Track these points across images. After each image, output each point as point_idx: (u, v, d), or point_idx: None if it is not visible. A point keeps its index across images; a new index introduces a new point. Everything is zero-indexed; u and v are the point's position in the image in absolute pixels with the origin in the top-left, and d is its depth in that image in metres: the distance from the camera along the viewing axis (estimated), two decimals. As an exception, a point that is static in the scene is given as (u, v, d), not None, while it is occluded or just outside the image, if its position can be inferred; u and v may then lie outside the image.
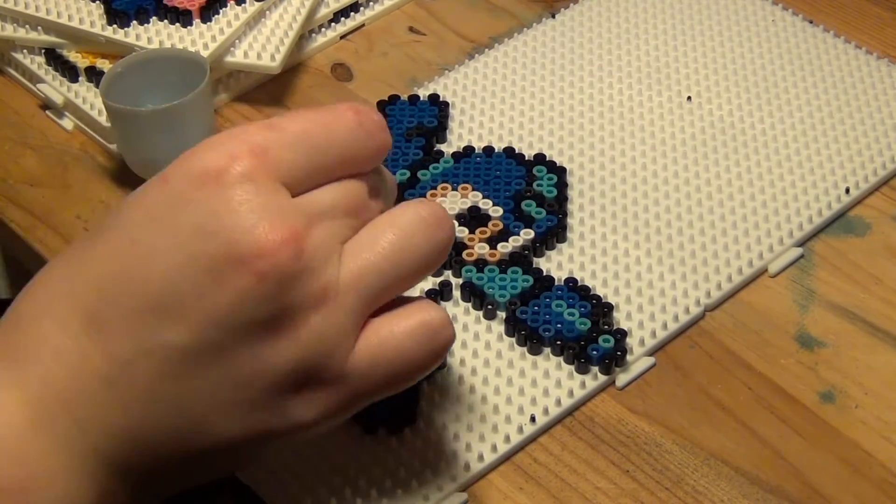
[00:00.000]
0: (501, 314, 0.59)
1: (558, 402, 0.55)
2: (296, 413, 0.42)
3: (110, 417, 0.40)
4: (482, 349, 0.57)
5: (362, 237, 0.42)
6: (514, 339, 0.58)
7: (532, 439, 0.54)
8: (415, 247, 0.43)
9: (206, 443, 0.41)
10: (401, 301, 0.44)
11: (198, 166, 0.40)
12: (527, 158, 0.67)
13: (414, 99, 0.71)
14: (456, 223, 0.63)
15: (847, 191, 0.65)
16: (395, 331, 0.43)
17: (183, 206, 0.40)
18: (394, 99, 0.71)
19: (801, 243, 0.63)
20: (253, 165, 0.40)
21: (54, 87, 0.71)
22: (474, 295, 0.59)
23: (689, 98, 0.71)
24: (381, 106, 0.71)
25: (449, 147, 0.69)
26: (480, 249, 0.61)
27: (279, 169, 0.41)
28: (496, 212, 0.63)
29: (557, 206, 0.64)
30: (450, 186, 0.65)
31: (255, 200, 0.40)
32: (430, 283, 0.60)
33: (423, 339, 0.43)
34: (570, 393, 0.55)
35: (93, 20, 0.72)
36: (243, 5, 0.73)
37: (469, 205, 0.64)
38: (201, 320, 0.39)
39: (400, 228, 0.43)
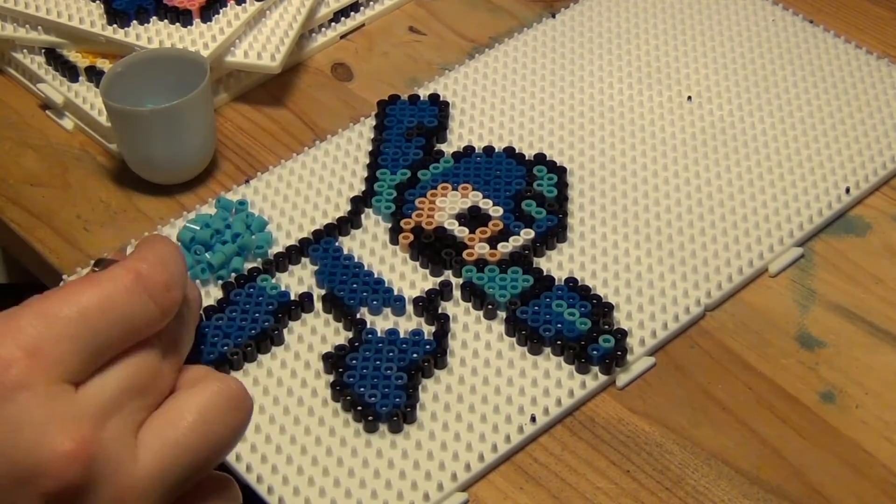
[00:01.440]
0: (502, 314, 0.59)
1: (559, 402, 0.55)
2: None
3: None
4: (482, 349, 0.57)
5: (161, 423, 0.40)
6: (514, 339, 0.58)
7: (532, 439, 0.54)
8: (214, 431, 0.40)
9: None
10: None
11: None
12: (527, 158, 0.67)
13: (414, 99, 0.71)
14: (456, 222, 0.63)
15: (847, 191, 0.65)
16: None
17: None
18: (394, 99, 0.71)
19: (801, 243, 0.63)
20: (28, 370, 0.36)
21: (54, 86, 0.71)
22: (475, 295, 0.59)
23: (689, 98, 0.71)
24: (382, 106, 0.71)
25: (449, 147, 0.68)
26: (481, 249, 0.61)
27: (57, 365, 0.37)
28: (496, 212, 0.63)
29: (558, 206, 0.64)
30: (450, 186, 0.65)
31: (36, 412, 0.36)
32: (430, 283, 0.60)
33: None
34: (571, 393, 0.55)
35: (93, 20, 0.72)
36: (243, 5, 0.73)
37: (469, 204, 0.64)
38: None
39: (199, 410, 0.40)
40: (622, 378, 0.56)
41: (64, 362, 0.37)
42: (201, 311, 0.45)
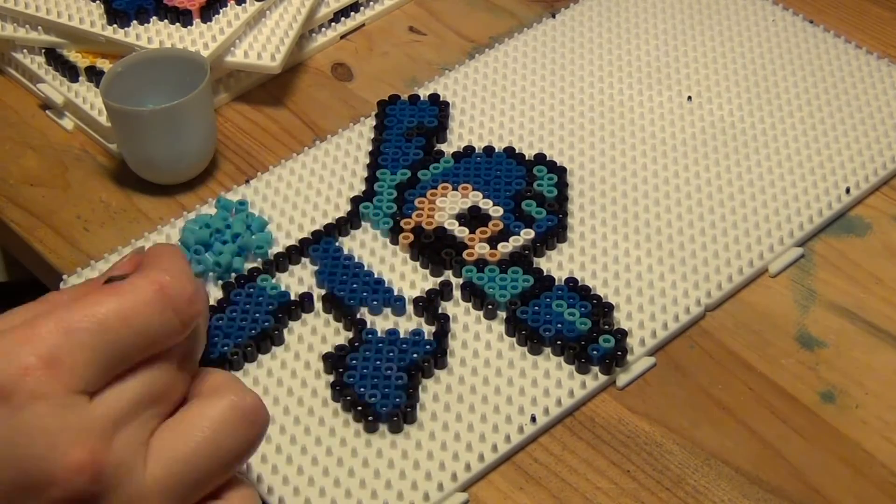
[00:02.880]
0: (502, 314, 0.59)
1: (559, 402, 0.55)
2: None
3: None
4: (482, 349, 0.57)
5: (173, 434, 0.40)
6: (514, 339, 0.58)
7: (532, 439, 0.54)
8: (226, 445, 0.40)
9: None
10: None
11: None
12: (527, 158, 0.67)
13: (414, 99, 0.71)
14: (456, 222, 0.63)
15: (847, 191, 0.65)
16: None
17: None
18: (394, 99, 0.71)
19: (801, 243, 0.63)
20: (45, 380, 0.37)
21: (54, 86, 0.71)
22: (475, 295, 0.59)
23: (689, 98, 0.71)
24: (382, 106, 0.71)
25: (449, 147, 0.68)
26: (481, 249, 0.61)
27: (74, 376, 0.38)
28: (496, 212, 0.63)
29: (558, 206, 0.64)
30: (450, 186, 0.65)
31: (49, 421, 0.37)
32: (430, 283, 0.60)
33: None
34: (571, 393, 0.55)
35: (93, 20, 0.72)
36: (243, 5, 0.73)
37: (469, 205, 0.64)
38: None
39: (212, 424, 0.40)
40: (622, 378, 0.56)
41: (81, 373, 0.38)
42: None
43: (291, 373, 0.56)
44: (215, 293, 0.60)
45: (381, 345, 0.57)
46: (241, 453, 0.41)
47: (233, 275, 0.61)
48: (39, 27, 0.73)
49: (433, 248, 0.61)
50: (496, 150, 0.67)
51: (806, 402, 0.56)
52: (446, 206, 0.64)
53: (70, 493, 0.37)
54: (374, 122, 0.70)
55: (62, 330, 0.38)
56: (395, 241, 0.62)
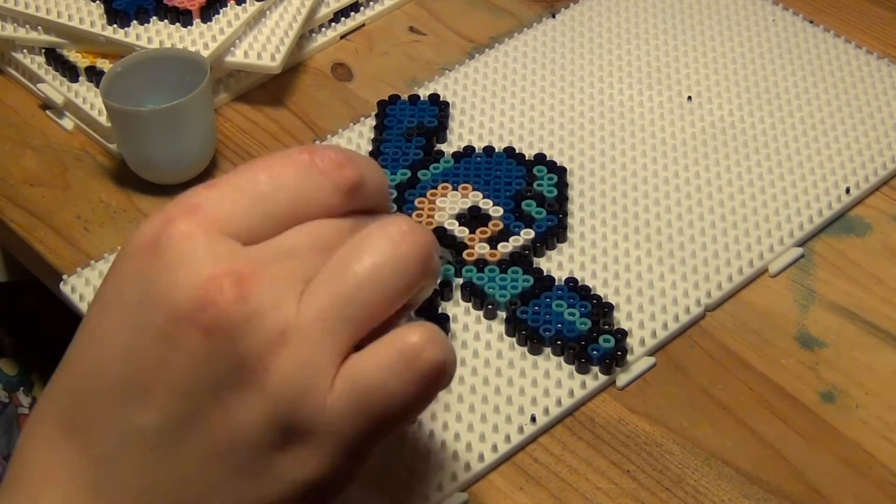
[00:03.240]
0: (502, 314, 0.59)
1: (559, 402, 0.55)
2: (287, 473, 0.38)
3: None
4: (482, 349, 0.57)
5: (325, 269, 0.39)
6: (514, 339, 0.58)
7: (532, 439, 0.54)
8: (386, 267, 0.38)
9: None
10: (389, 328, 0.40)
11: (136, 240, 0.38)
12: (527, 158, 0.67)
13: (414, 99, 0.71)
14: (456, 222, 0.63)
15: (847, 191, 0.65)
16: (369, 364, 0.38)
17: (127, 283, 0.38)
18: (394, 99, 0.71)
19: (801, 243, 0.63)
20: (188, 223, 0.38)
21: (54, 86, 0.71)
22: (475, 295, 0.59)
23: (689, 98, 0.71)
24: (382, 106, 0.71)
25: (449, 147, 0.69)
26: (481, 249, 0.61)
27: (218, 221, 0.38)
28: (496, 212, 0.63)
29: (558, 206, 0.64)
30: (450, 186, 0.65)
31: (192, 255, 0.37)
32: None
33: (400, 368, 0.38)
34: (571, 393, 0.55)
35: (93, 20, 0.72)
36: (243, 5, 0.73)
37: (469, 205, 0.64)
38: (165, 393, 0.37)
39: (366, 251, 0.38)
40: (622, 378, 0.56)
41: (227, 218, 0.38)
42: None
43: (291, 373, 0.56)
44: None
45: (381, 345, 0.57)
46: (406, 277, 0.39)
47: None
48: (39, 27, 0.73)
49: (433, 248, 0.61)
50: (496, 150, 0.67)
51: (806, 402, 0.56)
52: (446, 206, 0.64)
53: (216, 314, 0.36)
54: (374, 122, 0.70)
55: (207, 187, 0.39)
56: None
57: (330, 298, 0.38)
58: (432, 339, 0.39)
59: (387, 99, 0.71)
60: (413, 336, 0.39)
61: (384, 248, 0.39)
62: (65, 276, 0.62)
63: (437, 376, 0.39)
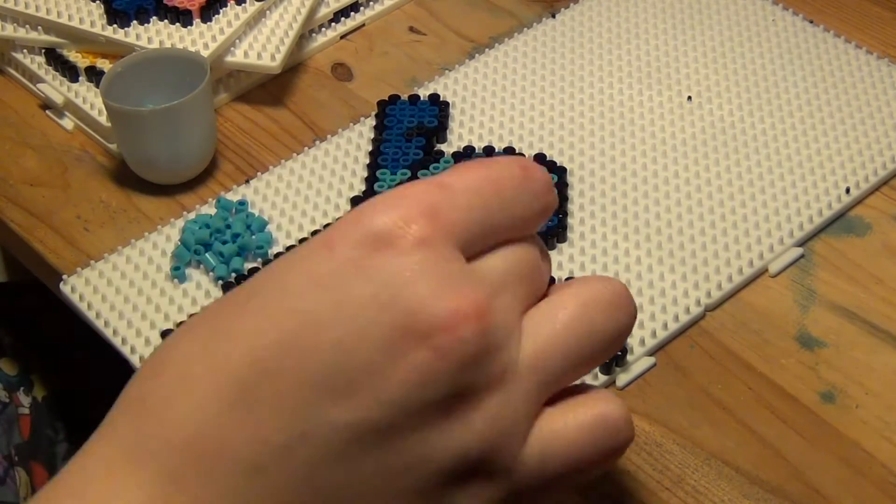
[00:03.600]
0: (502, 314, 0.59)
1: (559, 402, 0.55)
2: None
3: None
4: (482, 349, 0.57)
5: (542, 311, 0.39)
6: (514, 339, 0.58)
7: (532, 439, 0.54)
8: (597, 325, 0.39)
9: None
10: (576, 390, 0.40)
11: (368, 230, 0.36)
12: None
13: (414, 99, 0.71)
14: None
15: (847, 191, 0.65)
16: (569, 423, 0.38)
17: (353, 273, 0.36)
18: (394, 99, 0.71)
19: (801, 243, 0.63)
20: (427, 229, 0.36)
21: (54, 86, 0.71)
22: (474, 295, 0.59)
23: (689, 98, 0.71)
24: (382, 106, 0.71)
25: (449, 147, 0.68)
26: (481, 249, 0.61)
27: (453, 232, 0.37)
28: (496, 212, 0.63)
29: (558, 206, 0.63)
30: (450, 186, 0.65)
31: (434, 269, 0.36)
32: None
33: (600, 434, 0.39)
34: (571, 393, 0.55)
35: (93, 20, 0.72)
36: (243, 5, 0.73)
37: (469, 205, 0.64)
38: (371, 399, 0.35)
39: (582, 303, 0.39)
40: (622, 378, 0.56)
41: (460, 229, 0.37)
42: None
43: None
44: (215, 293, 0.60)
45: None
46: (611, 337, 0.40)
47: (233, 275, 0.61)
48: (39, 27, 0.73)
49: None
50: (496, 150, 0.67)
51: (806, 402, 0.56)
52: (446, 206, 0.64)
53: (456, 342, 0.35)
54: (374, 122, 0.70)
55: (440, 189, 0.38)
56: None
57: (548, 344, 0.38)
58: (629, 417, 0.40)
59: (387, 99, 0.71)
60: (616, 408, 0.39)
61: (599, 302, 0.39)
62: (65, 276, 0.62)
63: (621, 453, 0.40)
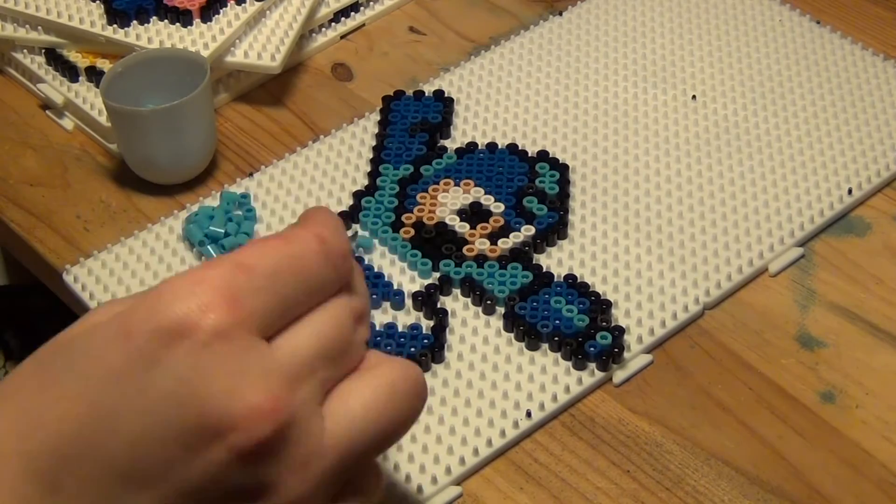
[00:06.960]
0: (500, 309, 0.58)
1: (554, 398, 0.55)
2: None
3: None
4: (480, 344, 0.57)
5: (346, 395, 0.39)
6: (512, 335, 0.57)
7: (527, 435, 0.54)
8: (397, 414, 0.39)
9: None
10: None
11: (164, 320, 0.35)
12: (530, 155, 0.67)
13: (419, 95, 0.71)
14: (457, 217, 0.63)
15: (850, 191, 0.64)
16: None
17: (149, 366, 0.35)
18: (399, 94, 0.71)
19: (801, 243, 0.62)
20: (225, 319, 0.36)
21: (54, 87, 0.71)
22: (474, 290, 0.59)
23: (693, 97, 0.71)
24: (387, 101, 0.71)
25: (452, 143, 0.68)
26: (481, 245, 0.61)
27: (252, 318, 0.36)
28: (498, 208, 0.63)
29: (559, 203, 0.63)
30: (452, 182, 0.65)
31: (231, 363, 0.35)
32: (431, 278, 0.60)
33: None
34: (567, 389, 0.55)
35: (93, 20, 0.72)
36: (243, 5, 0.73)
37: (471, 200, 0.64)
38: (172, 489, 0.35)
39: (386, 391, 0.39)
40: (619, 375, 0.56)
41: (259, 314, 0.37)
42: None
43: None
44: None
45: (379, 338, 0.57)
46: (407, 423, 0.40)
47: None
48: (39, 27, 0.73)
49: (433, 243, 0.61)
50: (499, 147, 0.67)
51: (806, 402, 0.55)
52: (448, 202, 0.64)
53: (251, 441, 0.35)
54: (378, 118, 0.70)
55: (237, 271, 0.37)
56: (395, 236, 0.62)
57: (351, 429, 0.38)
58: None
59: (392, 94, 0.71)
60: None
61: (400, 390, 0.39)
62: (67, 266, 0.62)
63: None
